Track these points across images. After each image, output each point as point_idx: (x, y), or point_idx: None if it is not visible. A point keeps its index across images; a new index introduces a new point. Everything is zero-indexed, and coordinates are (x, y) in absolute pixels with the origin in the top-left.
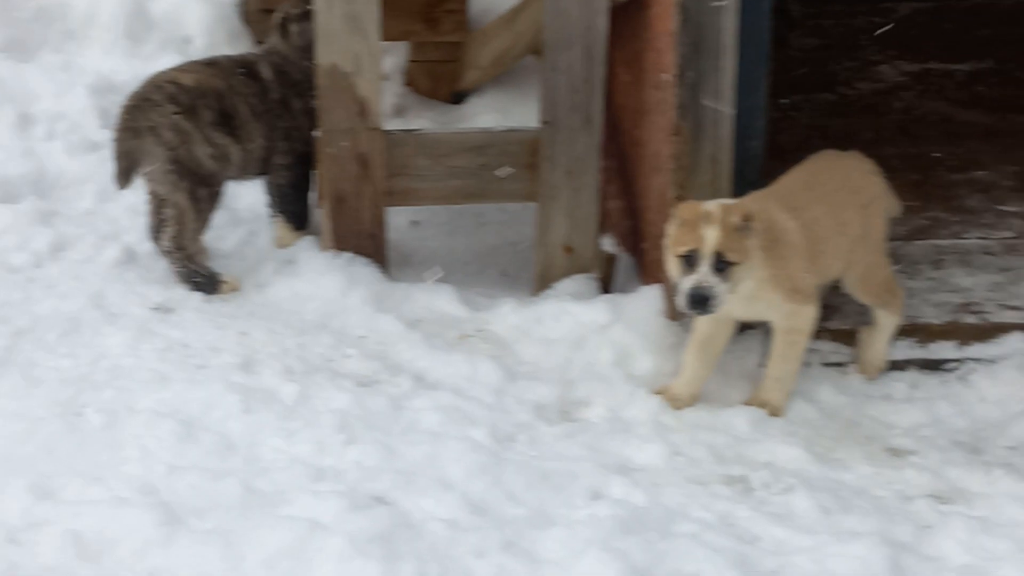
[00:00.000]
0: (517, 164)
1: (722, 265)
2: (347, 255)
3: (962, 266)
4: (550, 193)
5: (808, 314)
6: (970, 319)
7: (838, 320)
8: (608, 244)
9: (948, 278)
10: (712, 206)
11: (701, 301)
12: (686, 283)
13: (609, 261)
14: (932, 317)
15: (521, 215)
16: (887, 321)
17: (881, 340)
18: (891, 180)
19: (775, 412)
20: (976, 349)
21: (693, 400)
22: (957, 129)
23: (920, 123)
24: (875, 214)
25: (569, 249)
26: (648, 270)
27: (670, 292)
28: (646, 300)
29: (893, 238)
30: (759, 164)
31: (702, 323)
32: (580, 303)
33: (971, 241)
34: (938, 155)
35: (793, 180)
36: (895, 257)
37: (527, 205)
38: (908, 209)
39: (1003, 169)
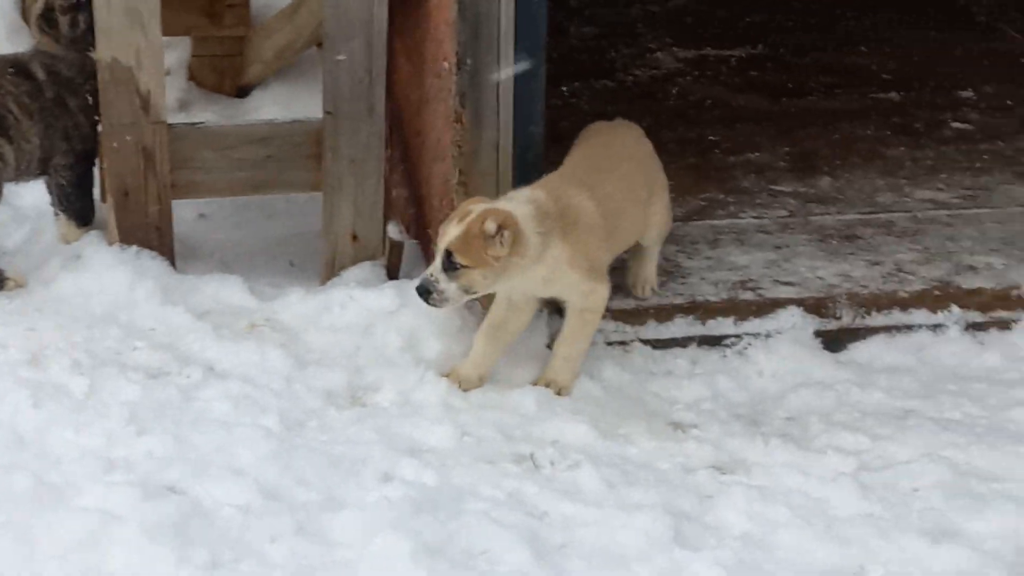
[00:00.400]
0: (302, 155)
1: (454, 265)
2: (133, 249)
3: (738, 245)
4: (335, 183)
5: (603, 293)
6: (747, 296)
7: (620, 299)
8: (394, 231)
9: (725, 256)
10: (477, 207)
11: (423, 293)
12: (424, 272)
13: (395, 248)
14: (711, 295)
15: (307, 205)
16: (656, 244)
17: (653, 259)
18: (670, 164)
19: (563, 391)
20: (753, 324)
21: (481, 381)
22: (732, 113)
23: (697, 108)
24: (654, 170)
25: (355, 237)
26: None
27: None
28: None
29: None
30: (540, 150)
31: (496, 306)
32: (367, 290)
33: (746, 220)
34: (714, 138)
35: (581, 158)
36: (674, 238)
37: (313, 195)
38: (686, 191)
39: (777, 151)
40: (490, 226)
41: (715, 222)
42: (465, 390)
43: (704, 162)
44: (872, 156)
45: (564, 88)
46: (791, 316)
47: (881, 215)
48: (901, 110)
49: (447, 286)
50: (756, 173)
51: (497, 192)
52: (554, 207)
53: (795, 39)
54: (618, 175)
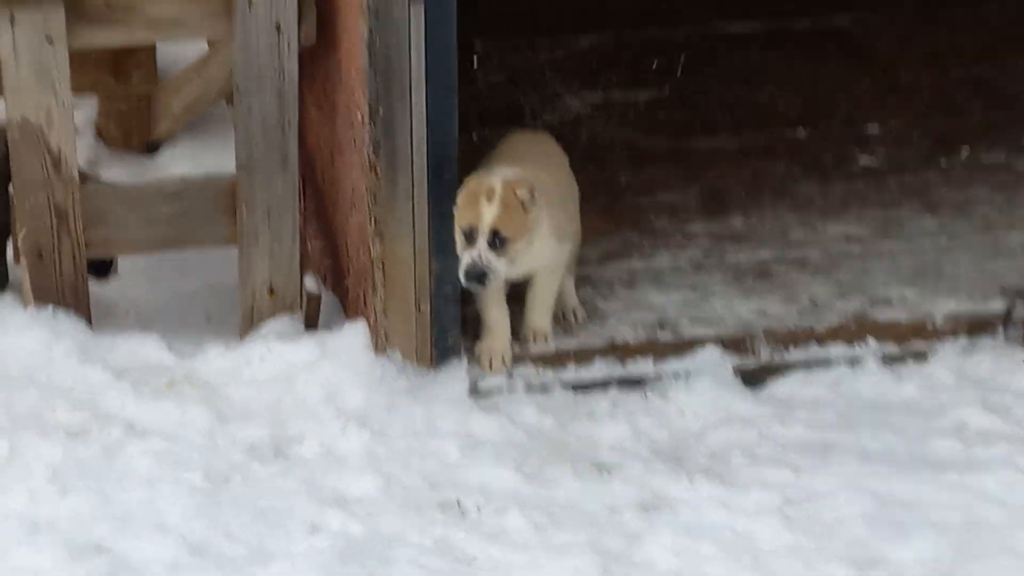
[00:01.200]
0: (216, 209)
1: (499, 241)
2: (49, 309)
3: (654, 285)
4: (250, 236)
5: (567, 248)
6: (665, 335)
7: (540, 344)
8: (310, 283)
9: (642, 297)
10: (495, 181)
11: (477, 277)
12: (464, 258)
13: (312, 300)
14: (629, 336)
15: (221, 259)
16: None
17: (572, 280)
18: (583, 207)
19: (546, 336)
20: (672, 364)
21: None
22: (642, 154)
23: (607, 150)
24: (573, 179)
25: (272, 291)
26: (351, 306)
27: (374, 327)
28: (352, 336)
29: (586, 262)
30: (454, 196)
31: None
32: (286, 343)
33: (661, 261)
34: (625, 180)
35: (511, 157)
36: (590, 280)
37: (227, 249)
38: (600, 233)
39: (688, 190)
40: (524, 192)
41: (630, 263)
42: (503, 364)
43: (616, 204)
44: (782, 193)
45: (474, 134)
46: (709, 354)
47: (794, 251)
48: (809, 146)
49: (497, 263)
50: (668, 213)
51: (413, 240)
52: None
53: (700, 79)
54: (551, 172)
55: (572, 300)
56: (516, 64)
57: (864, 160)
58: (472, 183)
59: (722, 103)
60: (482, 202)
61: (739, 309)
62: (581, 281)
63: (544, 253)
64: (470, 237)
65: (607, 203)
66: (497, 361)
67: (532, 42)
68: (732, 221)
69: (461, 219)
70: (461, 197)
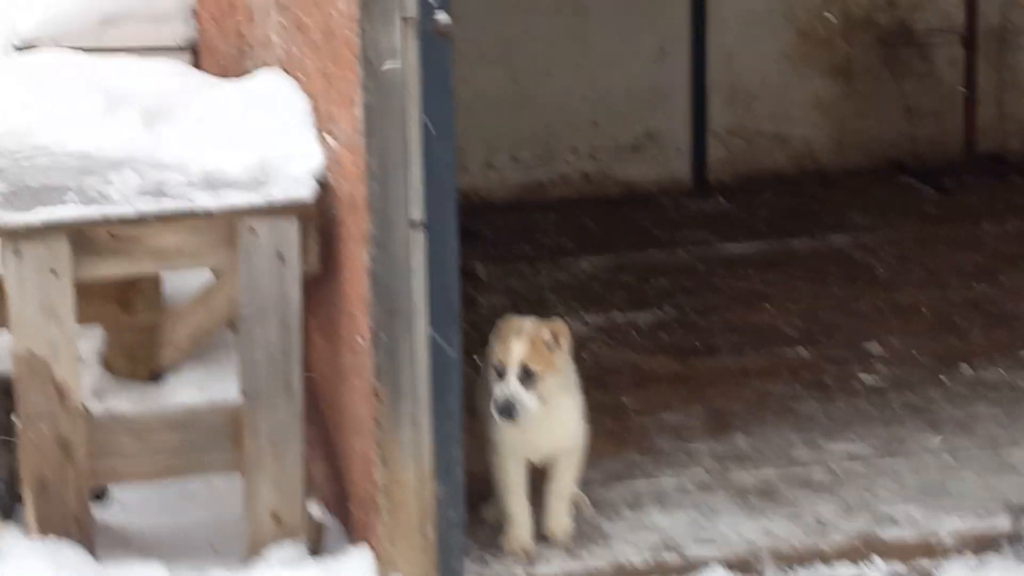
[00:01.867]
0: (221, 436)
1: (527, 375)
2: (53, 540)
3: (659, 506)
4: (255, 463)
5: (585, 430)
6: (670, 556)
7: (543, 565)
8: (315, 510)
9: (646, 518)
10: (525, 322)
11: (507, 409)
12: (496, 393)
13: (317, 526)
14: (634, 557)
15: (224, 486)
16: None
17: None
18: (588, 427)
19: (565, 532)
20: None
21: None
22: (645, 375)
23: (610, 372)
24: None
25: (277, 517)
26: (356, 531)
27: (379, 553)
28: (357, 561)
29: (591, 482)
30: (458, 419)
31: (511, 466)
32: (291, 569)
33: (665, 481)
34: (629, 401)
35: None
36: (594, 502)
37: (230, 475)
38: (604, 454)
39: (691, 411)
40: (547, 333)
41: (634, 484)
42: (531, 556)
43: (620, 426)
44: (784, 412)
45: (475, 357)
46: (715, 575)
47: (798, 470)
48: (810, 365)
49: (527, 397)
50: (671, 433)
51: (417, 466)
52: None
53: (700, 300)
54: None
55: (565, 514)
56: (518, 288)
57: (866, 379)
58: (504, 324)
59: (723, 324)
60: (511, 339)
61: (744, 529)
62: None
63: (566, 419)
64: (501, 373)
65: (611, 424)
66: (523, 553)
67: (533, 266)
68: (736, 440)
69: (493, 356)
70: (494, 337)
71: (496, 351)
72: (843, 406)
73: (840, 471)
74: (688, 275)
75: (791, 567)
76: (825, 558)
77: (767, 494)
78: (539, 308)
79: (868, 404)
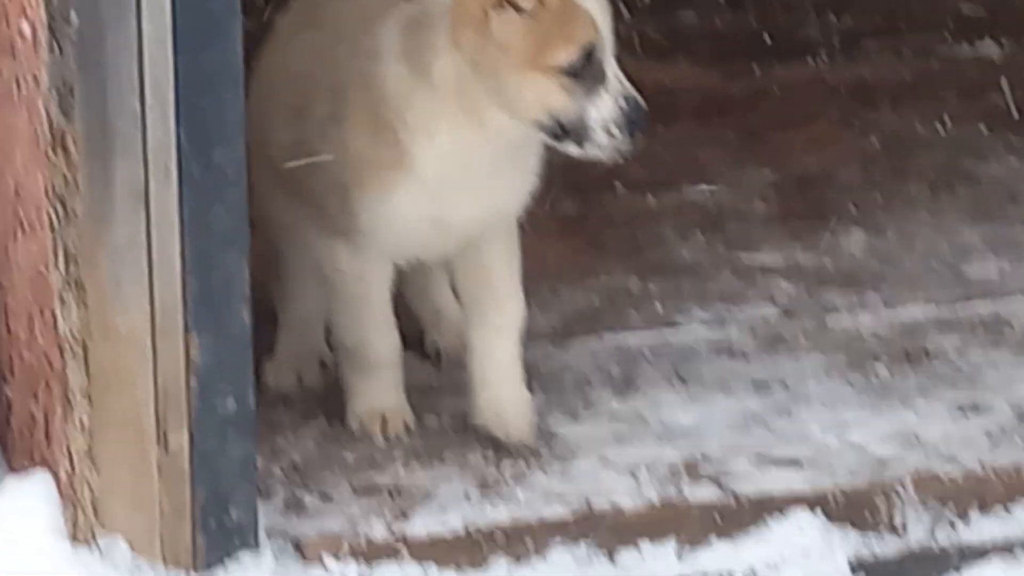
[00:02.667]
0: None
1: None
2: None
3: None
4: None
5: None
6: None
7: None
8: None
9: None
10: None
11: (641, 119)
12: (608, 105)
13: None
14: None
15: None
16: None
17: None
18: None
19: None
20: None
21: None
22: None
23: None
24: None
25: None
26: (17, 444)
27: (69, 486)
28: (22, 504)
29: None
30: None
31: (379, 274)
32: None
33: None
34: None
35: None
36: None
37: None
38: None
39: None
40: None
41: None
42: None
43: None
44: None
45: None
46: None
47: None
48: None
49: None
50: None
51: (150, 294)
52: None
53: None
54: None
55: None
56: None
57: None
58: None
59: None
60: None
61: None
62: None
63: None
64: (589, 70)
65: None
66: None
67: None
68: None
69: (562, 45)
70: (518, 11)
71: (565, 26)
72: None
73: None
74: None
75: None
76: None
77: None
78: None
79: None
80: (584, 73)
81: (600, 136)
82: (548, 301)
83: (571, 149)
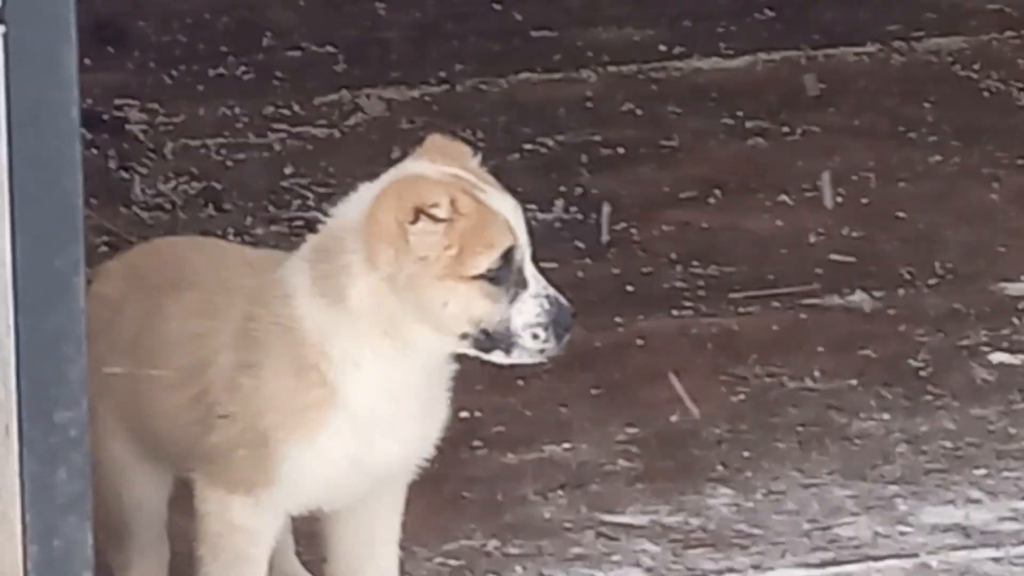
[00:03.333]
0: None
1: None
2: None
3: None
4: None
5: None
6: None
7: None
8: None
9: None
10: (435, 167)
11: (567, 324)
12: (531, 310)
13: None
14: None
15: None
16: None
17: None
18: None
19: None
20: None
21: None
22: None
23: None
24: None
25: None
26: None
27: None
28: None
29: None
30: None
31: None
32: None
33: None
34: None
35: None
36: None
37: None
38: None
39: None
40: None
41: None
42: None
43: None
44: None
45: None
46: None
47: None
48: None
49: None
50: None
51: None
52: None
53: None
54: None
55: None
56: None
57: None
58: (427, 189)
59: None
60: (488, 199)
61: None
62: None
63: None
64: (509, 274)
65: None
66: None
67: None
68: None
69: (481, 252)
70: (432, 214)
71: (483, 232)
72: None
73: None
74: None
75: None
76: None
77: None
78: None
79: None
80: (505, 278)
81: (527, 341)
82: (405, 565)
83: (498, 357)
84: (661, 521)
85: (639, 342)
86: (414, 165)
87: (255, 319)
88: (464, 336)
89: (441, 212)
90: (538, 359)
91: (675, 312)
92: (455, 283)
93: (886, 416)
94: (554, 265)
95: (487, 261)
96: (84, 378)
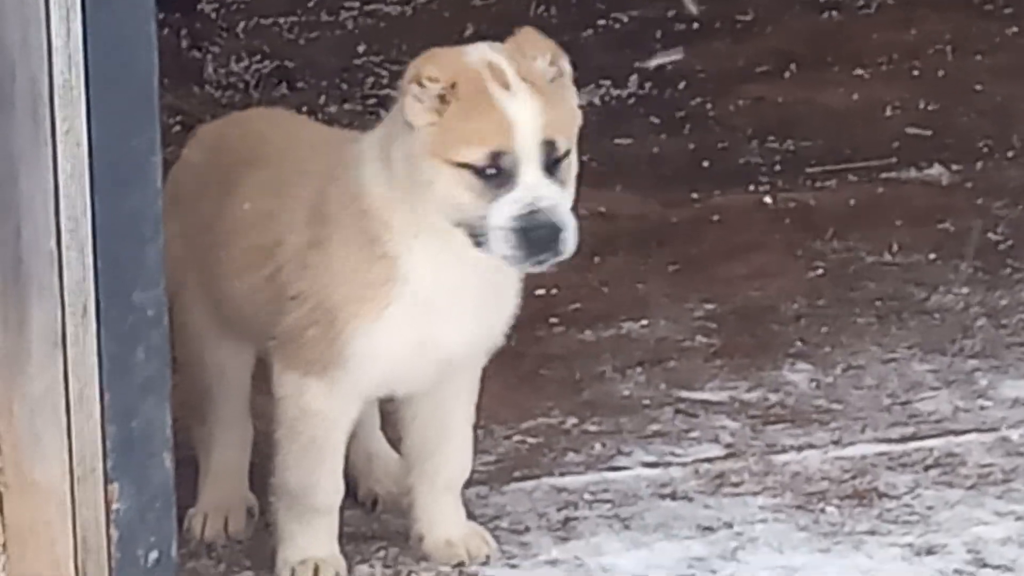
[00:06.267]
0: None
1: (556, 160)
2: None
3: None
4: None
5: None
6: None
7: None
8: None
9: None
10: (492, 53)
11: (553, 238)
12: (504, 211)
13: None
14: None
15: None
16: None
17: None
18: None
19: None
20: None
21: None
22: None
23: None
24: None
25: None
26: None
27: None
28: None
29: None
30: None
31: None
32: None
33: None
34: None
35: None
36: None
37: None
38: None
39: None
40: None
41: None
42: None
43: None
44: None
45: None
46: None
47: None
48: None
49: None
50: None
51: (68, 443)
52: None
53: None
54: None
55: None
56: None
57: None
58: (442, 62)
59: None
60: (499, 96)
61: None
62: None
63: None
64: (498, 173)
65: None
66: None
67: None
68: None
69: (468, 142)
70: (431, 98)
71: (470, 125)
72: None
73: None
74: None
75: None
76: None
77: None
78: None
79: None
80: (492, 176)
81: (499, 243)
82: (483, 442)
83: (482, 251)
84: (740, 397)
85: (715, 218)
86: (479, 46)
87: (326, 197)
88: (449, 220)
89: (433, 87)
90: (523, 267)
91: (751, 187)
92: (442, 164)
93: (965, 290)
94: (629, 141)
95: (472, 154)
96: (161, 258)
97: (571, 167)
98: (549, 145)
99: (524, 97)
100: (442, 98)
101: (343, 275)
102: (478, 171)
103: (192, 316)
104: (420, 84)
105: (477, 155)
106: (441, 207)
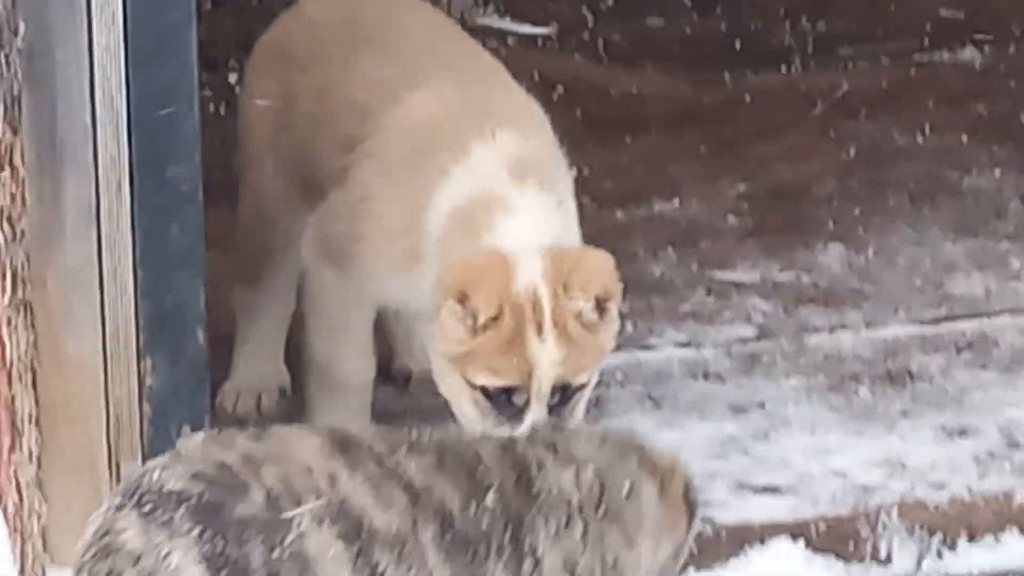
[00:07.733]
0: None
1: (567, 396)
2: None
3: None
4: None
5: None
6: None
7: None
8: None
9: None
10: (540, 280)
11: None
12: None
13: None
14: None
15: None
16: None
17: None
18: None
19: None
20: None
21: None
22: None
23: None
24: None
25: None
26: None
27: (17, 518)
28: None
29: None
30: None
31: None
32: None
33: None
34: None
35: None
36: None
37: None
38: None
39: None
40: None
41: None
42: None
43: None
44: None
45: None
46: None
47: None
48: None
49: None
50: None
51: (101, 317)
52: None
53: None
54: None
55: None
56: None
57: None
58: (490, 292)
59: None
60: (531, 340)
61: None
62: None
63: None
64: (505, 405)
65: None
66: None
67: None
68: None
69: (488, 371)
70: (464, 317)
71: (491, 360)
72: None
73: None
74: None
75: None
76: None
77: None
78: None
79: None
80: (502, 404)
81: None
82: None
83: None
84: (772, 278)
85: (748, 98)
86: (529, 264)
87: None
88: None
89: (479, 315)
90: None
91: (783, 68)
92: (460, 377)
93: (998, 172)
94: (661, 21)
95: (489, 381)
96: (196, 132)
97: (586, 391)
98: (564, 387)
99: (551, 347)
100: (482, 327)
101: (380, 225)
102: (489, 395)
103: (271, 177)
104: (462, 305)
105: (493, 383)
106: (447, 392)
